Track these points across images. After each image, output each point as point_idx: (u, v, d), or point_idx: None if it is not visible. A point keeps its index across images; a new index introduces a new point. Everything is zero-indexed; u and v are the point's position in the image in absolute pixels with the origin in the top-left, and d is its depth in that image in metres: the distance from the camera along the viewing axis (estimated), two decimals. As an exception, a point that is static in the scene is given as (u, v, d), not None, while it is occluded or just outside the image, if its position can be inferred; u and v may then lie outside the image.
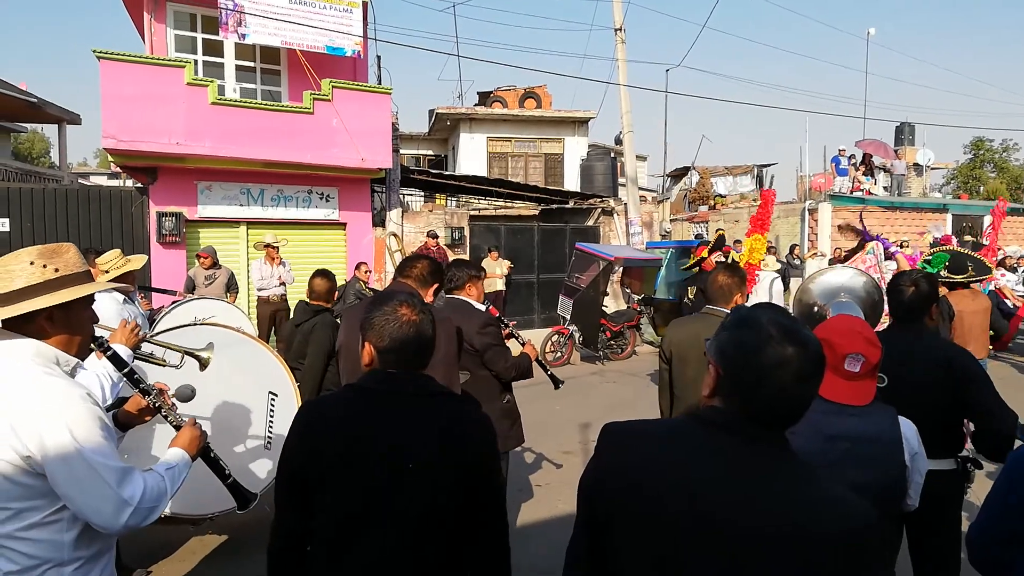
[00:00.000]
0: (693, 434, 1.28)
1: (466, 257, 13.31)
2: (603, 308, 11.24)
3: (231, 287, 9.10)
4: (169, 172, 10.35)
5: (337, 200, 11.67)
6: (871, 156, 19.90)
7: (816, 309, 3.04)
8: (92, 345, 1.95)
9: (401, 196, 13.40)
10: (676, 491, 1.20)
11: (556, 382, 4.04)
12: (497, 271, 12.73)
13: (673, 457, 1.25)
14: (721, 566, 1.15)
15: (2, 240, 9.63)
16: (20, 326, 1.70)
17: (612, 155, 19.73)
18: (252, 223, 11.06)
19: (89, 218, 10.22)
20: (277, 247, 9.55)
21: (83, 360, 1.87)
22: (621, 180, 17.33)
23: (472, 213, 15.06)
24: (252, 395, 3.82)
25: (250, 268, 10.26)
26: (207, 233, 10.74)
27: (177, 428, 2.05)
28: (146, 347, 2.67)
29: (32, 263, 1.70)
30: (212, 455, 2.11)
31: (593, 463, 1.39)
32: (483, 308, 3.49)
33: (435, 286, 3.10)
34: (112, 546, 1.84)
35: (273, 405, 3.82)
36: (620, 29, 15.30)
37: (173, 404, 2.15)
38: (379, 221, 12.63)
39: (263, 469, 3.87)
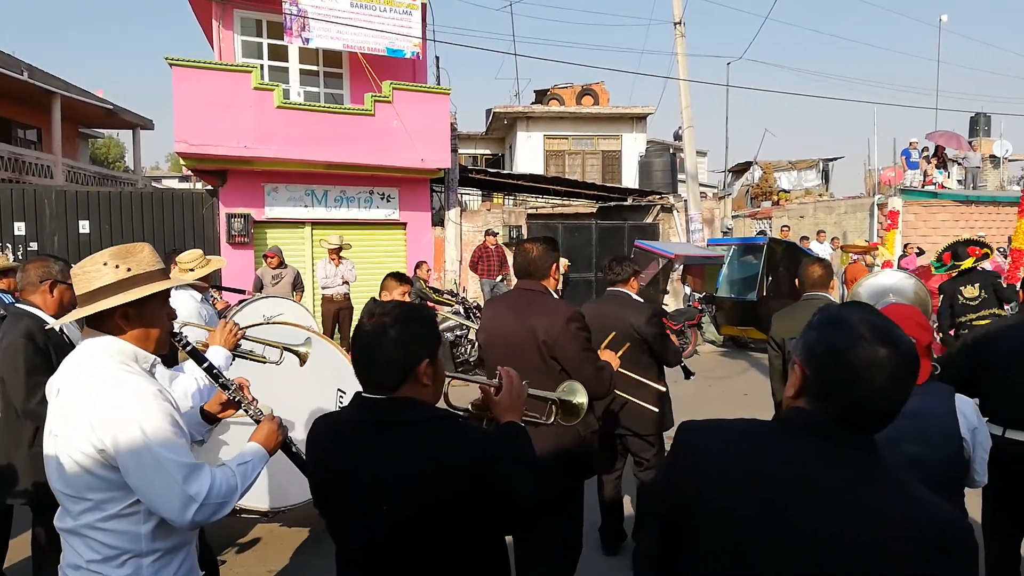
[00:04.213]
0: (776, 435, 1.25)
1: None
2: (663, 306, 11.09)
3: (297, 286, 9.34)
4: (237, 175, 10.70)
5: (397, 200, 11.84)
6: (943, 148, 19.00)
7: None
8: (172, 341, 2.00)
9: (459, 195, 13.50)
10: (756, 494, 1.17)
11: (688, 373, 4.65)
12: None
13: (754, 458, 1.22)
14: (802, 574, 1.12)
15: (83, 241, 10.13)
16: (100, 324, 1.77)
17: (671, 151, 19.43)
18: (316, 223, 11.33)
19: (163, 220, 10.65)
20: (340, 247, 9.77)
21: (162, 355, 1.92)
22: (680, 176, 17.05)
23: (529, 211, 15.07)
24: (321, 392, 3.92)
25: (315, 267, 10.53)
26: (274, 233, 11.05)
27: (257, 422, 2.09)
28: (245, 344, 2.74)
29: (106, 264, 1.76)
30: (294, 449, 2.13)
31: (669, 461, 1.37)
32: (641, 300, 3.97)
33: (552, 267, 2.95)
34: (191, 540, 1.88)
35: (341, 402, 3.91)
36: (680, 23, 15.07)
37: (253, 399, 2.18)
38: (438, 220, 12.76)
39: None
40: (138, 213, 10.52)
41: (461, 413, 1.90)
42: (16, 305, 3.02)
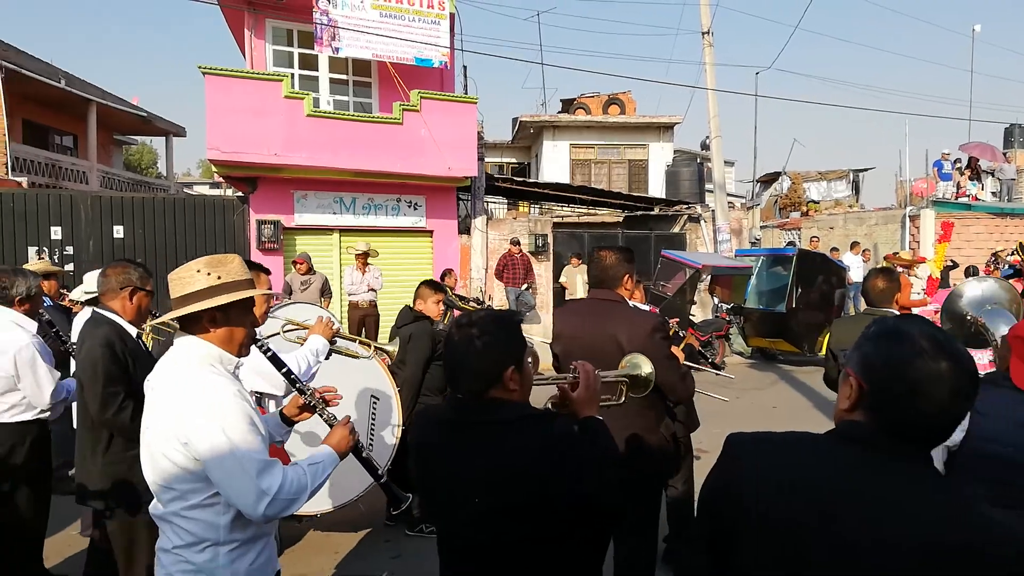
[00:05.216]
0: (827, 448, 1.23)
1: (549, 264, 13.31)
2: (690, 317, 10.98)
3: (325, 292, 9.42)
4: (268, 182, 10.83)
5: (424, 208, 11.89)
6: (977, 160, 18.66)
7: (968, 318, 3.00)
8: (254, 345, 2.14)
9: (485, 204, 13.53)
10: (812, 507, 1.15)
11: (716, 367, 4.30)
12: (579, 278, 12.67)
13: (808, 471, 1.20)
14: None
15: (117, 246, 10.31)
16: (190, 326, 1.93)
17: (698, 160, 19.30)
18: (344, 230, 11.42)
19: (195, 225, 10.81)
20: (367, 254, 9.84)
21: (245, 357, 2.06)
22: (708, 186, 16.92)
23: (555, 220, 15.04)
24: (356, 398, 3.94)
25: (343, 274, 10.61)
26: (303, 240, 11.16)
27: (330, 426, 2.18)
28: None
29: (199, 271, 1.92)
30: (364, 455, 2.21)
31: (715, 474, 1.35)
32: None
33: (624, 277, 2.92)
34: (269, 533, 2.01)
35: (375, 409, 3.92)
36: (708, 32, 14.98)
37: (327, 402, 2.30)
38: (464, 228, 12.80)
39: (362, 472, 3.97)
40: (171, 219, 10.69)
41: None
42: (96, 310, 3.03)
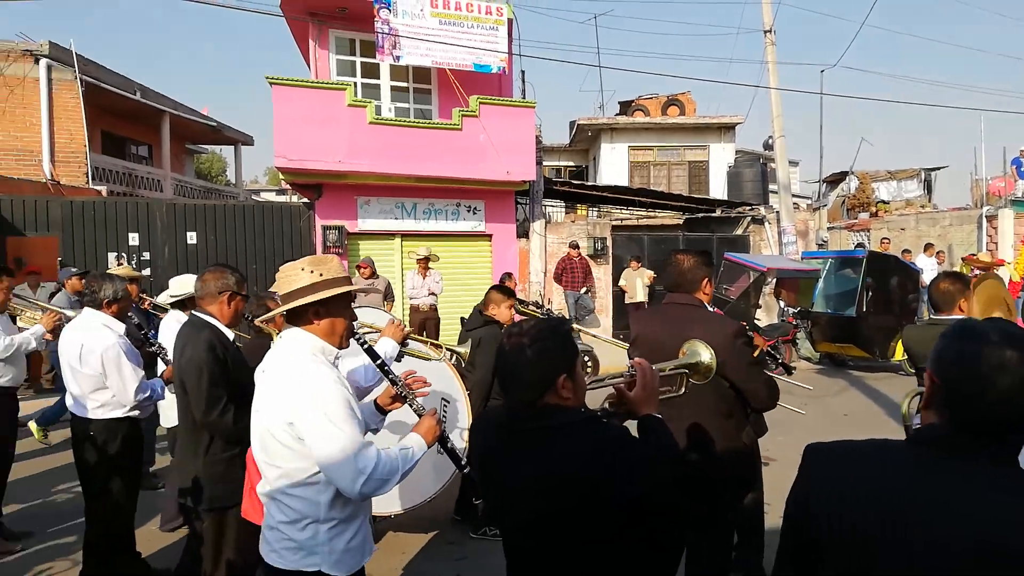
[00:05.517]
0: (898, 454, 1.24)
1: (608, 267, 13.22)
2: (755, 321, 10.72)
3: (388, 296, 9.58)
4: (332, 188, 11.09)
5: (483, 212, 11.99)
6: (1059, 156, 17.67)
7: None
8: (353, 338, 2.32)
9: (544, 207, 13.55)
10: (869, 516, 1.16)
11: (788, 369, 4.27)
12: (638, 282, 12.54)
13: (869, 480, 1.21)
14: None
15: (190, 252, 10.72)
16: (296, 319, 2.13)
17: (761, 161, 18.87)
18: (406, 235, 11.62)
19: (263, 231, 11.15)
20: (428, 259, 9.98)
21: (345, 349, 2.24)
22: (772, 187, 16.52)
23: (614, 223, 14.93)
24: (427, 399, 4.00)
25: (404, 278, 10.78)
26: (366, 245, 11.38)
27: (419, 416, 2.31)
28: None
29: (303, 269, 2.12)
30: (449, 445, 2.31)
31: (797, 485, 1.35)
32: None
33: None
34: (364, 514, 2.17)
35: (445, 411, 3.97)
36: (770, 31, 14.66)
37: (416, 394, 2.44)
38: (523, 232, 12.84)
39: (434, 472, 4.09)
40: (240, 225, 11.06)
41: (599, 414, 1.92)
42: (194, 313, 3.14)
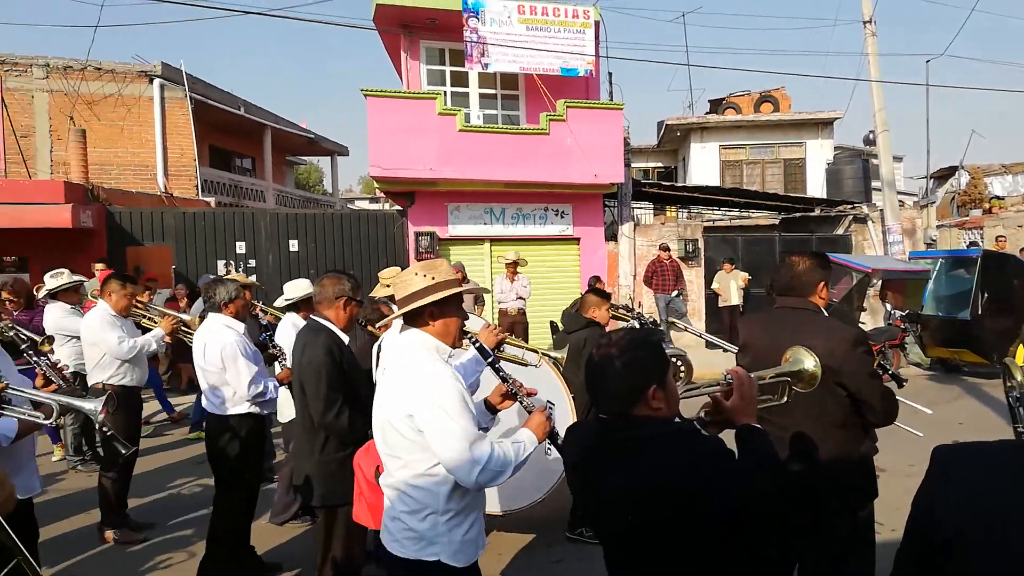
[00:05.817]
0: (1016, 455, 1.19)
1: (700, 270, 12.92)
2: (859, 325, 10.22)
3: (478, 300, 9.71)
4: (424, 195, 11.37)
5: (571, 216, 11.98)
6: None
7: None
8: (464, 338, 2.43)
9: (632, 210, 13.39)
10: (975, 519, 1.13)
11: (899, 381, 4.00)
12: (732, 284, 12.20)
13: (983, 483, 1.17)
14: None
15: (292, 259, 11.26)
16: (414, 320, 2.27)
17: (862, 157, 17.96)
18: (495, 240, 11.76)
19: (359, 238, 11.60)
20: (516, 263, 10.06)
21: (458, 348, 2.35)
22: (874, 184, 15.70)
23: (706, 224, 14.58)
24: (534, 399, 4.05)
25: (493, 282, 10.91)
26: (456, 250, 11.60)
27: (529, 412, 2.38)
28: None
29: (417, 274, 2.26)
30: (559, 442, 2.34)
31: (924, 489, 1.30)
32: None
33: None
34: (479, 508, 2.25)
35: (551, 414, 3.99)
36: (870, 21, 13.96)
37: (527, 392, 2.50)
38: (611, 235, 12.74)
39: (542, 475, 4.16)
40: (339, 233, 11.53)
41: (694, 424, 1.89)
42: (312, 317, 3.30)
